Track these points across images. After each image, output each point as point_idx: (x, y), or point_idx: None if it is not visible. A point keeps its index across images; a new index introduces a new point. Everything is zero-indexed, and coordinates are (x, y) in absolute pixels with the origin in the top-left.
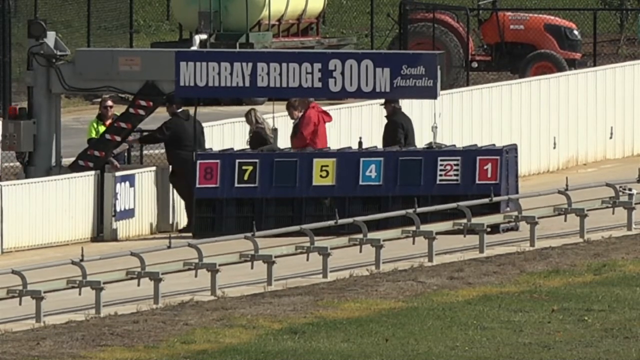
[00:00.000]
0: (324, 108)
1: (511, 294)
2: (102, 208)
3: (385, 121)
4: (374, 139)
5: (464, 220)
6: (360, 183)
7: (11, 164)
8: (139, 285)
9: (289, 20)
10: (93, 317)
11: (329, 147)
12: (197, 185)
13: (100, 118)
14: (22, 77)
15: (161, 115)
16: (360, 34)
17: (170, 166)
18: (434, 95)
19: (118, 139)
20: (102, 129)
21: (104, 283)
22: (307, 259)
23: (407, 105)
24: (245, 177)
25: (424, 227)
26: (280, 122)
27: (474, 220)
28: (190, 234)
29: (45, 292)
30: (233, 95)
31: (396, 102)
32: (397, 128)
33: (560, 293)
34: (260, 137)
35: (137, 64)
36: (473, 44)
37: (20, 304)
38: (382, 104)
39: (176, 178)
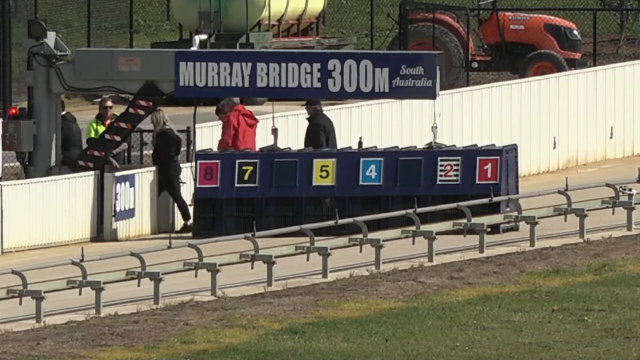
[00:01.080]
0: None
1: (511, 294)
2: (102, 208)
3: (307, 123)
4: (374, 139)
5: (464, 220)
6: (360, 183)
7: (11, 164)
8: (139, 285)
9: (289, 21)
10: (93, 317)
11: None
12: (198, 185)
13: (100, 118)
14: (22, 77)
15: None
16: (360, 34)
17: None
18: (433, 96)
19: (118, 139)
20: (101, 129)
21: (104, 283)
22: (307, 259)
23: (408, 106)
24: (245, 177)
25: (424, 227)
26: (280, 122)
27: (474, 220)
28: (177, 233)
29: (45, 292)
30: (233, 95)
31: (317, 104)
32: (319, 130)
33: (560, 293)
34: (169, 137)
35: (137, 64)
36: (473, 44)
37: (20, 304)
38: (303, 105)
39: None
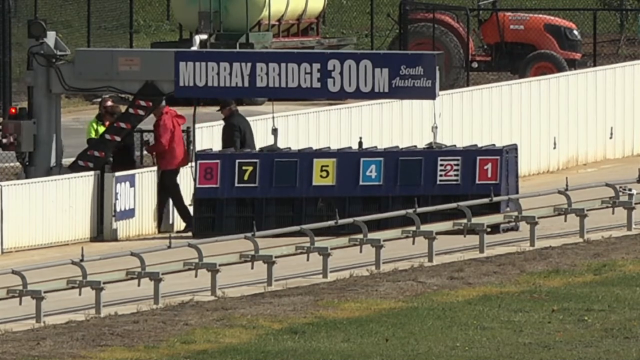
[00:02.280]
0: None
1: (511, 294)
2: (102, 208)
3: (223, 123)
4: (374, 139)
5: (464, 220)
6: (361, 183)
7: (11, 164)
8: (139, 285)
9: (289, 20)
10: (93, 317)
11: (329, 147)
12: (198, 185)
13: (100, 118)
14: (22, 77)
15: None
16: (360, 34)
17: None
18: (432, 96)
19: (118, 139)
20: (101, 129)
21: (104, 283)
22: (307, 259)
23: (408, 106)
24: (245, 177)
25: (424, 227)
26: (280, 122)
27: (474, 220)
28: (184, 234)
29: (45, 292)
30: (233, 95)
31: (232, 105)
32: (234, 131)
33: (560, 293)
34: None
35: (136, 64)
36: (473, 44)
37: (20, 304)
38: (218, 110)
39: None
